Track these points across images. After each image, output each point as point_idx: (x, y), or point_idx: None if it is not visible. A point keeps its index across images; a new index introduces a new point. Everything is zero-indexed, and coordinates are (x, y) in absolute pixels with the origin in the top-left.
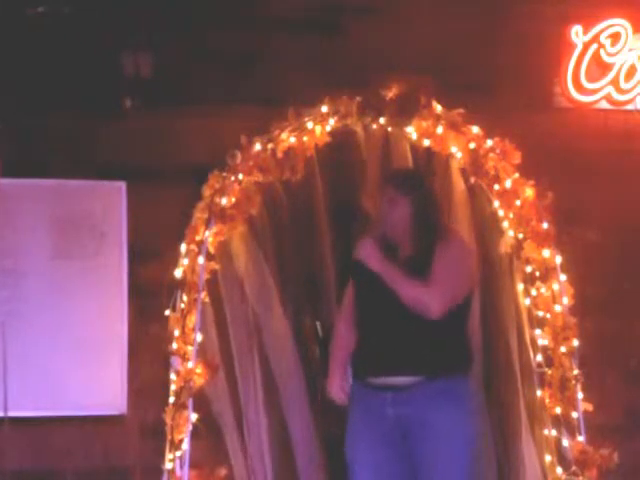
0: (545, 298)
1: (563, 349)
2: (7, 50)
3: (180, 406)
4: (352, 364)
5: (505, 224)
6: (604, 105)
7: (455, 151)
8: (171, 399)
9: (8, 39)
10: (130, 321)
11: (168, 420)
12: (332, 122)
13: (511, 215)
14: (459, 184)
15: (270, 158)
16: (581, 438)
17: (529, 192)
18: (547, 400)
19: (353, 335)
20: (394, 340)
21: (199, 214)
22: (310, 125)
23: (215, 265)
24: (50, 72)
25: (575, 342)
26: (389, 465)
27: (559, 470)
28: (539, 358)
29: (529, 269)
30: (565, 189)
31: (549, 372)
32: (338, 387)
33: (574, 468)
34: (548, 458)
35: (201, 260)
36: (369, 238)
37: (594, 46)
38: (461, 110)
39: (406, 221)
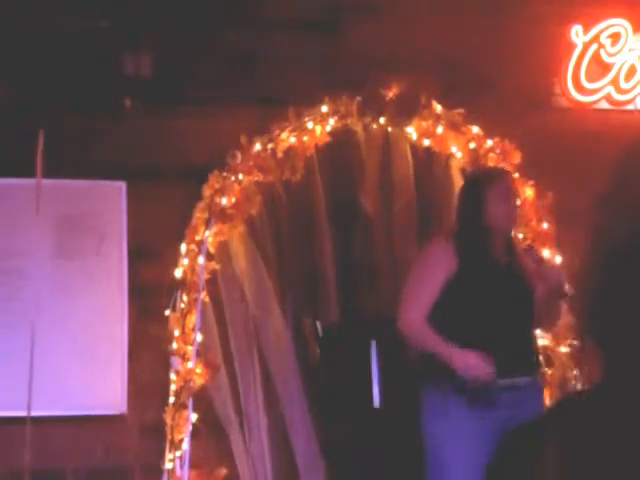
0: None
1: (563, 349)
2: (6, 50)
3: (180, 406)
4: None
5: None
6: (604, 105)
7: (455, 151)
8: (171, 399)
9: (7, 39)
10: (130, 321)
11: (168, 420)
12: (332, 122)
13: None
14: (459, 184)
15: (270, 158)
16: None
17: (529, 192)
18: (547, 400)
19: None
20: (518, 342)
21: (199, 214)
22: (310, 125)
23: (215, 265)
24: (50, 72)
25: (575, 342)
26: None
27: None
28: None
29: None
30: (565, 189)
31: (549, 372)
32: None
33: None
34: None
35: (201, 260)
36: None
37: (594, 46)
38: (461, 110)
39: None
